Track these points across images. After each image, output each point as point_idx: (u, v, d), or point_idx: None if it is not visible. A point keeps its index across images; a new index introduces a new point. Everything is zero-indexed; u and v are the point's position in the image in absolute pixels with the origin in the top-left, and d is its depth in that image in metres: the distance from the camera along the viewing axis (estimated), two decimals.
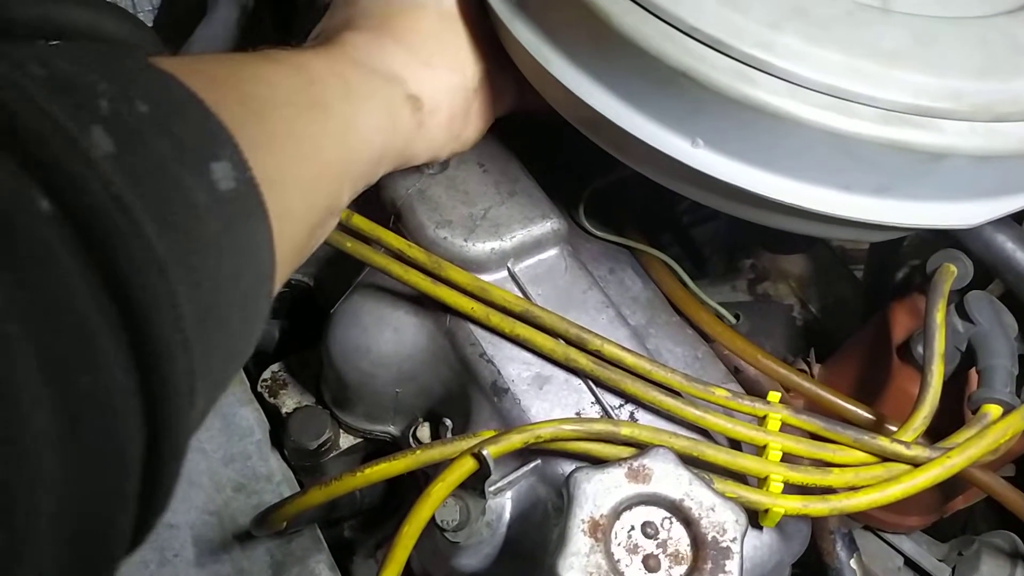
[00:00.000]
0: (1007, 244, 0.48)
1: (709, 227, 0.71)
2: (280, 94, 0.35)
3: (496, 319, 0.48)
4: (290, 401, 0.59)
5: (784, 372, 0.56)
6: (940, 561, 0.60)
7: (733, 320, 0.62)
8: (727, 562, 0.39)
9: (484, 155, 0.54)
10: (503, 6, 0.46)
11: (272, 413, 0.59)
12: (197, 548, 0.50)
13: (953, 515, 0.70)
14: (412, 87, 0.44)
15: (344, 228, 0.50)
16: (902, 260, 0.64)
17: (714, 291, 0.74)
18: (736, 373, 0.57)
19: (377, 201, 0.53)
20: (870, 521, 0.60)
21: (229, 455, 0.57)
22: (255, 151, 0.27)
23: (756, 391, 0.55)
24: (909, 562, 0.61)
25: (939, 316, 0.48)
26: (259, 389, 0.60)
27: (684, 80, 0.39)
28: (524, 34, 0.44)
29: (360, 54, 0.43)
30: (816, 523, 0.54)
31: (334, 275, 0.60)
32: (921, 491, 0.57)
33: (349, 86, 0.40)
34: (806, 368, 0.62)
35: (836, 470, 0.44)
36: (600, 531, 0.40)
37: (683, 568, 0.40)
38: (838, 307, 0.76)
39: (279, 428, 0.58)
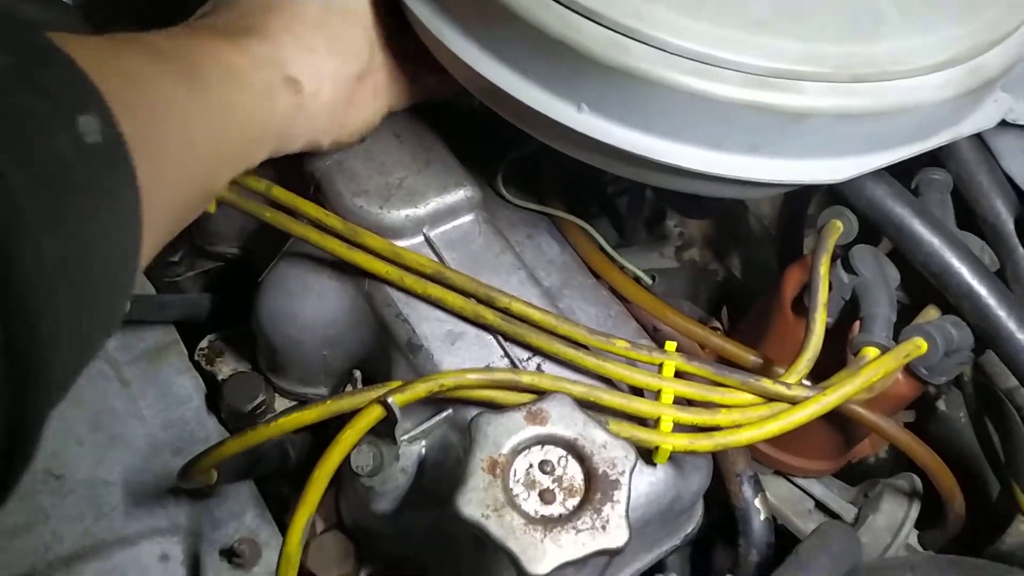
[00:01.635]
0: (886, 200, 0.52)
1: (635, 195, 0.74)
2: (156, 69, 0.37)
3: (410, 281, 0.51)
4: (226, 368, 0.62)
5: (691, 327, 0.59)
6: (849, 504, 0.64)
7: (649, 281, 0.65)
8: (616, 492, 0.43)
9: (400, 127, 0.57)
10: None
11: (209, 380, 0.62)
12: (133, 503, 0.53)
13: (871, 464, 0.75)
14: (291, 69, 0.46)
15: (265, 199, 0.53)
16: (809, 223, 0.67)
17: (642, 258, 0.78)
18: (654, 332, 0.61)
19: (298, 173, 0.55)
20: (781, 467, 0.64)
21: (168, 421, 0.59)
22: (127, 116, 0.29)
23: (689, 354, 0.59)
24: (819, 505, 0.65)
25: (823, 268, 0.51)
26: (196, 358, 0.62)
27: (563, 48, 0.42)
28: (421, 9, 0.47)
29: (241, 37, 0.45)
30: (724, 467, 0.58)
31: (265, 247, 0.62)
32: (824, 436, 0.61)
33: (227, 67, 0.42)
34: (719, 326, 0.66)
35: (723, 410, 0.47)
36: (499, 468, 0.43)
37: (576, 499, 0.43)
38: (760, 270, 0.79)
39: (216, 394, 0.60)
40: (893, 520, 0.60)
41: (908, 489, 0.62)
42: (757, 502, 0.57)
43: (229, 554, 0.54)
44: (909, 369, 0.54)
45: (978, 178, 0.56)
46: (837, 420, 0.57)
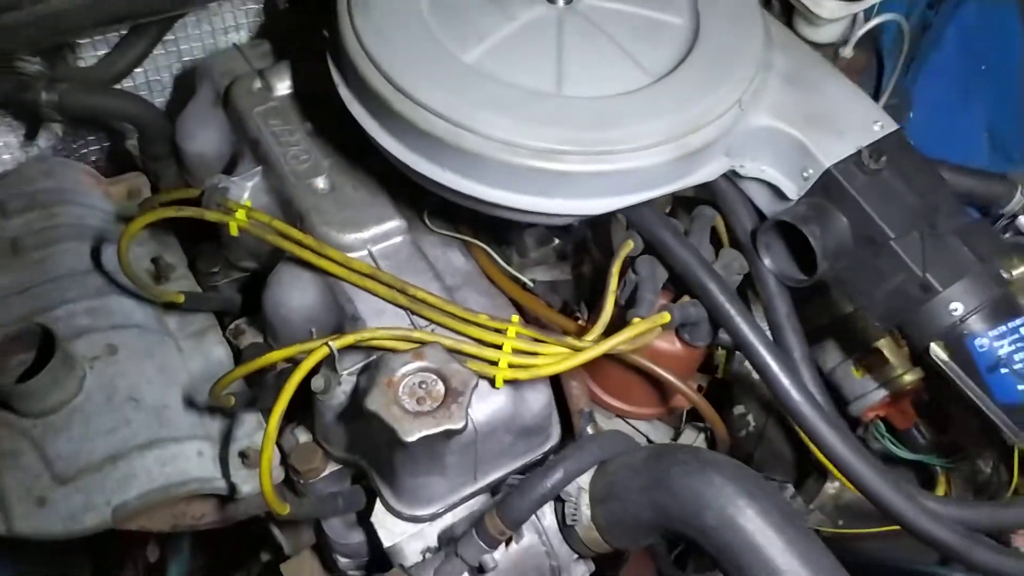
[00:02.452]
0: (655, 226, 0.80)
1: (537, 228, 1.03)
2: None
3: (354, 278, 0.82)
4: (247, 341, 0.93)
5: (547, 312, 0.88)
6: (669, 439, 0.92)
7: (530, 284, 0.94)
8: (461, 398, 0.71)
9: (357, 180, 0.88)
10: (339, 79, 0.80)
11: (235, 349, 0.93)
12: (182, 418, 0.84)
13: None
14: None
15: (270, 228, 0.84)
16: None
17: (547, 271, 1.07)
18: (536, 320, 0.90)
19: (288, 212, 0.87)
20: (620, 412, 0.92)
21: (207, 374, 0.90)
22: None
23: (546, 328, 0.87)
24: (648, 440, 0.92)
25: (614, 270, 0.80)
26: (227, 335, 0.94)
27: (428, 136, 0.73)
28: (348, 99, 0.78)
29: None
30: (570, 406, 0.86)
31: (271, 262, 0.93)
32: (644, 390, 0.89)
33: None
34: (579, 315, 0.94)
35: (541, 356, 0.76)
36: (392, 384, 0.72)
37: (437, 403, 0.72)
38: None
39: (239, 358, 0.92)
40: (687, 441, 0.88)
41: (702, 427, 0.90)
42: (588, 428, 0.85)
43: (242, 456, 0.85)
44: (679, 336, 0.82)
45: (734, 207, 0.84)
46: (650, 378, 0.86)
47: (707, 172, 0.78)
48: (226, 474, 0.84)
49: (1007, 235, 0.95)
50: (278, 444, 0.86)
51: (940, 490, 0.95)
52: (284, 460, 0.85)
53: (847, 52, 0.95)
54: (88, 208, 0.99)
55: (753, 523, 0.63)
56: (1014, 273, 0.92)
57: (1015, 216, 0.94)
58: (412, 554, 0.81)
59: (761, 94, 0.79)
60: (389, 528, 0.82)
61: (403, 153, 0.76)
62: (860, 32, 0.94)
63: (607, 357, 0.82)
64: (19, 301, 0.87)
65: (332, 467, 0.85)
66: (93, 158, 1.14)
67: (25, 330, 0.79)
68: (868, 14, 0.95)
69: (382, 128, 0.77)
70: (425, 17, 0.80)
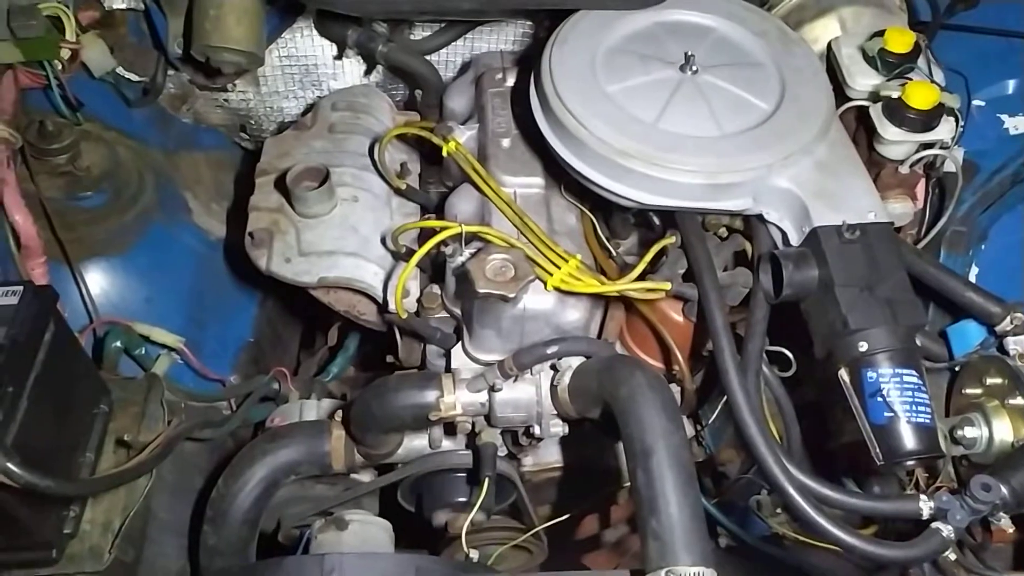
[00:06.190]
0: (691, 234, 1.17)
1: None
2: None
3: (497, 201, 1.28)
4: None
5: (611, 269, 1.27)
6: None
7: (613, 252, 1.34)
8: (523, 282, 1.14)
9: (527, 148, 1.34)
10: (533, 90, 1.27)
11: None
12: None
13: None
14: None
15: (464, 158, 1.33)
16: None
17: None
18: (602, 271, 1.30)
19: (481, 154, 1.36)
20: (634, 356, 1.28)
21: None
22: None
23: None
24: None
25: (653, 248, 1.18)
26: None
27: (567, 131, 1.17)
28: (534, 103, 1.25)
29: None
30: (601, 334, 1.25)
31: (462, 181, 1.42)
32: (655, 346, 1.26)
33: None
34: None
35: (581, 283, 1.16)
36: (484, 262, 1.17)
37: (505, 279, 1.15)
38: None
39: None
40: None
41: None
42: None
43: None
44: (684, 311, 1.18)
45: (758, 239, 1.18)
46: (659, 339, 1.22)
47: (731, 204, 1.14)
48: (385, 293, 1.35)
49: (991, 350, 1.17)
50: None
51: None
52: (418, 299, 1.33)
53: (904, 169, 1.23)
54: (378, 121, 1.56)
55: (645, 404, 0.99)
56: (987, 381, 1.15)
57: (1004, 335, 1.15)
58: None
59: (791, 168, 1.13)
60: (460, 360, 1.27)
61: (551, 138, 1.21)
62: (915, 157, 1.22)
63: (636, 312, 1.21)
64: (322, 156, 1.45)
65: (443, 314, 1.32)
66: (396, 96, 1.74)
67: (316, 168, 1.37)
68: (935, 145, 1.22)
69: (546, 123, 1.22)
70: (595, 61, 1.24)
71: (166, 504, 1.36)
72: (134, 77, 1.64)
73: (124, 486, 1.21)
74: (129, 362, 1.43)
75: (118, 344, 1.40)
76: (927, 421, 0.98)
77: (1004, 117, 1.37)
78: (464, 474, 1.31)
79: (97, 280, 1.45)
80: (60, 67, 1.44)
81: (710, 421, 1.30)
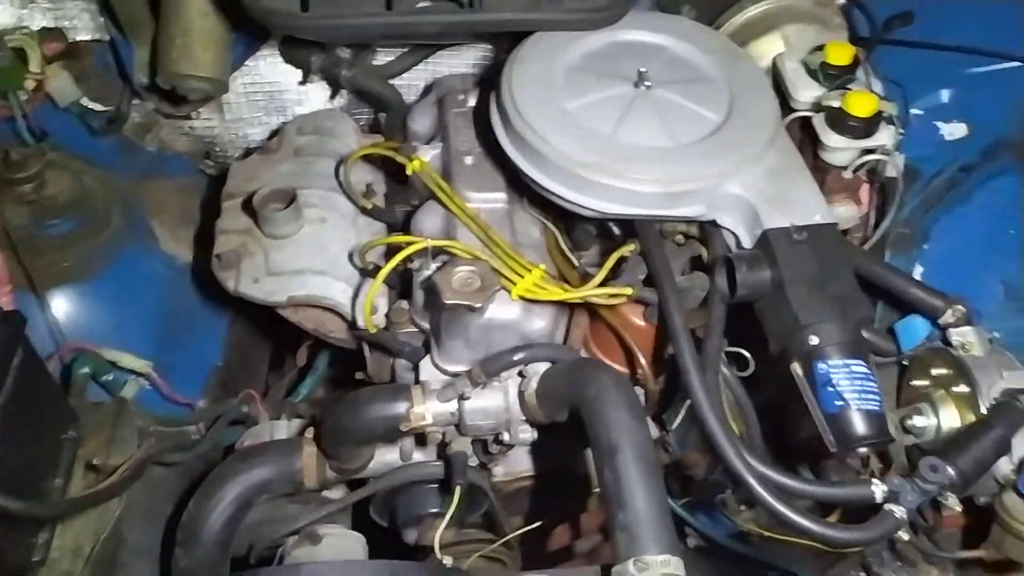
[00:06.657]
0: (650, 241, 1.21)
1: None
2: None
3: (462, 216, 1.32)
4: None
5: (574, 278, 1.31)
6: None
7: (576, 262, 1.38)
8: (488, 292, 1.18)
9: (491, 166, 1.38)
10: (493, 106, 1.31)
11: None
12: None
13: None
14: None
15: (429, 176, 1.36)
16: None
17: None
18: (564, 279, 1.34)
19: (445, 172, 1.39)
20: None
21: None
22: None
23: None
24: None
25: (614, 256, 1.22)
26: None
27: (528, 145, 1.21)
28: (495, 120, 1.29)
29: None
30: (567, 341, 1.29)
31: (426, 199, 1.46)
32: (620, 352, 1.30)
33: None
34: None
35: (545, 291, 1.20)
36: (451, 274, 1.21)
37: (472, 291, 1.19)
38: None
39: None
40: None
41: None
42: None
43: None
44: (645, 315, 1.22)
45: (713, 245, 1.22)
46: (623, 345, 1.26)
47: (687, 211, 1.19)
48: (353, 310, 1.37)
49: (936, 343, 1.22)
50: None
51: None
52: (387, 315, 1.36)
53: (847, 174, 1.29)
54: (344, 144, 1.59)
55: (610, 403, 1.02)
56: (934, 372, 1.21)
57: (947, 328, 1.21)
58: None
59: (743, 175, 1.18)
60: (429, 372, 1.29)
61: (512, 153, 1.25)
62: (858, 162, 1.28)
63: (599, 318, 1.25)
64: (289, 178, 1.47)
65: (411, 328, 1.35)
66: (361, 120, 1.78)
67: (283, 190, 1.39)
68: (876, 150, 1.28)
69: (508, 139, 1.27)
70: (553, 79, 1.29)
71: (137, 529, 1.35)
72: (99, 107, 1.66)
73: (94, 511, 1.21)
74: (97, 388, 1.43)
75: (86, 370, 1.40)
76: (876, 408, 1.03)
77: (940, 124, 1.45)
78: (436, 485, 1.33)
79: (65, 306, 1.46)
80: (25, 97, 1.46)
81: (675, 426, 1.33)
